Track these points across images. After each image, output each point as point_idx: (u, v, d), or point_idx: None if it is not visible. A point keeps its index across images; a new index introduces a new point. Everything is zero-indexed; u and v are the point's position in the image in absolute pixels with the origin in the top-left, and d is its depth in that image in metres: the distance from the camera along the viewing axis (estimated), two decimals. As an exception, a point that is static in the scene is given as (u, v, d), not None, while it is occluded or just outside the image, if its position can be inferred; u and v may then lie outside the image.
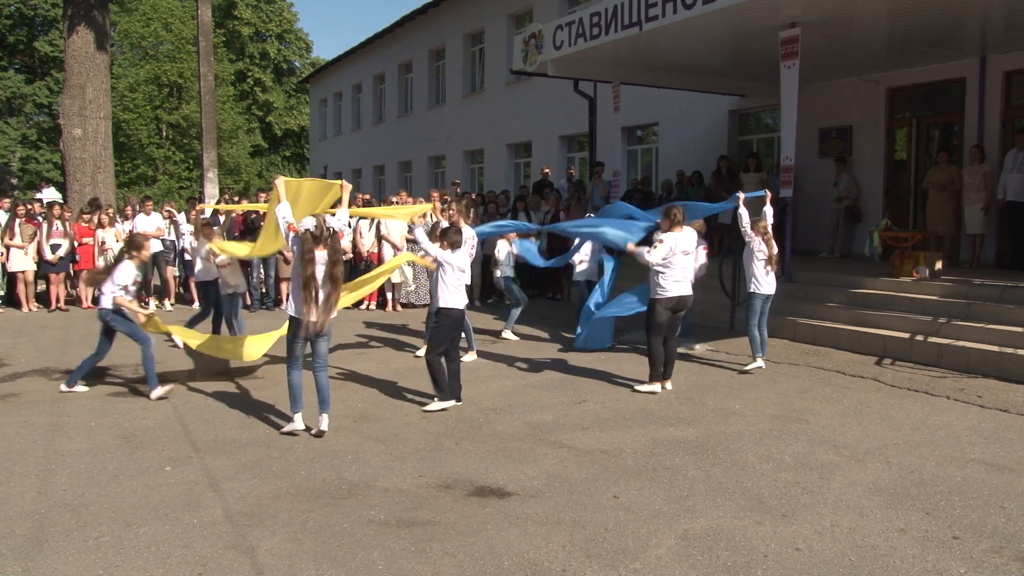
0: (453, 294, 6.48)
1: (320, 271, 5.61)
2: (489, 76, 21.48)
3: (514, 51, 12.93)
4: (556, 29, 11.63)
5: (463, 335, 7.41)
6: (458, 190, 16.46)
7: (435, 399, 6.39)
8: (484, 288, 13.25)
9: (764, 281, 7.73)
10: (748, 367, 7.74)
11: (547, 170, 16.26)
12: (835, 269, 10.50)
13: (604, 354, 8.70)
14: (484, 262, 12.54)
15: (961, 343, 7.67)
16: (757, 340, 7.82)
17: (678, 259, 6.86)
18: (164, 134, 37.62)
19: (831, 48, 10.61)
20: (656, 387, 6.93)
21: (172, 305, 12.64)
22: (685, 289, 6.93)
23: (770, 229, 7.76)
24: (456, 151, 23.39)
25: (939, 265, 9.38)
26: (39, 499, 4.45)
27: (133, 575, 3.57)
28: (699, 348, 8.97)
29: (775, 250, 7.71)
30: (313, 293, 5.55)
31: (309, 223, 5.67)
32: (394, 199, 12.67)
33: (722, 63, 12.09)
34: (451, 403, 6.40)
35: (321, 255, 5.64)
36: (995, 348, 7.39)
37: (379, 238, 12.35)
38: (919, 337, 8.02)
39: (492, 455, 5.22)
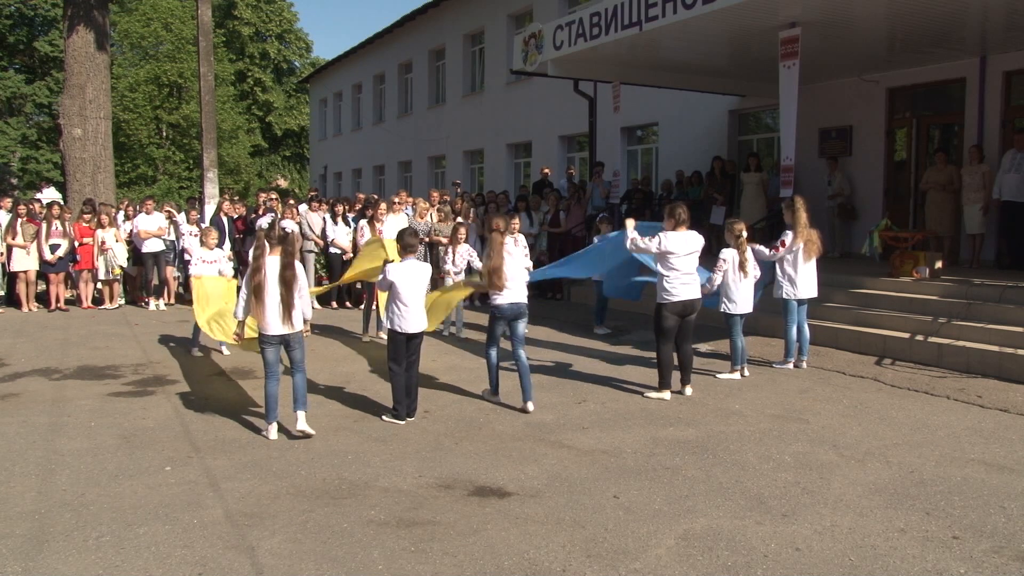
0: (395, 313, 6.02)
1: (273, 274, 5.46)
2: (489, 76, 21.49)
3: (514, 51, 12.92)
4: (556, 29, 11.63)
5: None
6: (458, 190, 16.45)
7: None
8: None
9: (738, 296, 7.41)
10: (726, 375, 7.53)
11: (547, 170, 16.26)
12: (835, 269, 10.50)
13: (605, 355, 8.70)
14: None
15: (961, 343, 7.66)
16: (739, 349, 7.50)
17: (682, 261, 6.59)
18: (164, 134, 37.61)
19: (831, 48, 10.61)
20: (666, 394, 6.69)
21: (168, 305, 12.64)
22: (693, 292, 6.66)
23: (744, 233, 7.39)
24: (456, 151, 23.39)
25: (939, 265, 9.37)
26: (39, 499, 4.45)
27: (133, 575, 3.57)
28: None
29: (745, 255, 7.36)
30: (263, 300, 5.40)
31: (264, 222, 5.57)
32: (395, 199, 12.67)
33: (722, 63, 12.09)
34: (401, 422, 5.99)
35: (275, 260, 5.49)
36: (995, 348, 7.39)
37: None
38: (919, 337, 8.01)
39: (492, 455, 5.22)
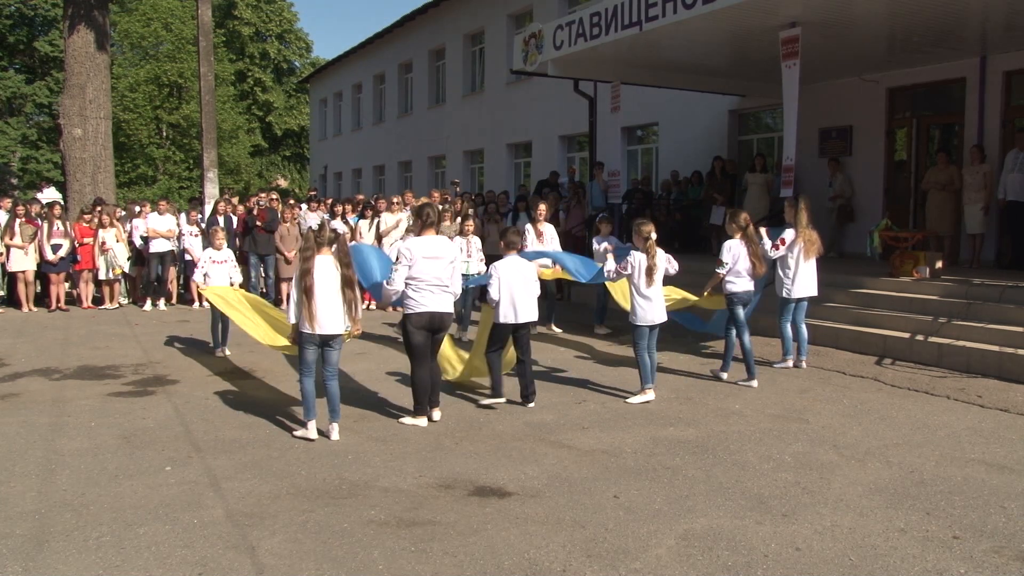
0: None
1: (334, 277, 5.51)
2: (489, 76, 21.49)
3: (514, 51, 12.92)
4: (556, 29, 11.63)
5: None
6: (457, 189, 16.46)
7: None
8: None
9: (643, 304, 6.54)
10: (637, 399, 6.62)
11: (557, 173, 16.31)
12: (835, 269, 10.49)
13: (605, 355, 8.69)
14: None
15: (961, 343, 7.66)
16: (648, 366, 6.64)
17: (427, 265, 5.79)
18: (164, 134, 37.59)
19: (831, 48, 10.61)
20: (422, 421, 5.89)
21: (168, 305, 12.64)
22: (441, 305, 5.88)
23: (653, 235, 6.55)
24: (456, 151, 23.39)
25: (939, 265, 9.37)
26: (39, 499, 4.45)
27: (133, 575, 3.57)
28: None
29: (654, 260, 6.46)
30: (312, 300, 5.41)
31: (313, 221, 5.58)
32: (394, 199, 12.68)
33: (722, 63, 12.08)
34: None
35: (326, 260, 5.54)
36: (995, 348, 7.39)
37: (378, 238, 12.34)
38: (919, 337, 8.01)
39: (492, 455, 5.22)
